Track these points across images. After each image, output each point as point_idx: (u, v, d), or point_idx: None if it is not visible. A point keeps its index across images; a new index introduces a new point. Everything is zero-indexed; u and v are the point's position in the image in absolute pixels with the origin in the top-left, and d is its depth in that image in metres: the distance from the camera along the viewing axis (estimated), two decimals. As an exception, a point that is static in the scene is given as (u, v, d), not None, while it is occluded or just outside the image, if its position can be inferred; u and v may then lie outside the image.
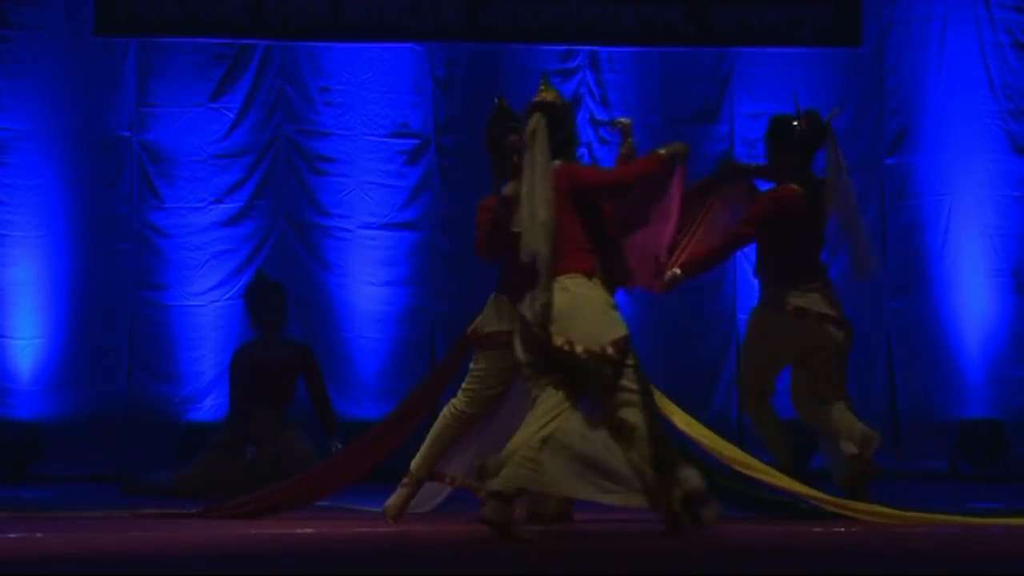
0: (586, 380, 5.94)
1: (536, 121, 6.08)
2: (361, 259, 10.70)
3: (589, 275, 6.04)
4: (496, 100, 6.75)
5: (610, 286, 6.16)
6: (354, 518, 7.05)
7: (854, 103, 10.94)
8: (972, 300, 10.74)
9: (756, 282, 7.23)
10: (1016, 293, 10.77)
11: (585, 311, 5.97)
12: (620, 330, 6.00)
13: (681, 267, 6.75)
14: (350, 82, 10.80)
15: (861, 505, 6.63)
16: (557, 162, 6.11)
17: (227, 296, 10.56)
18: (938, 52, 10.88)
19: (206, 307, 10.61)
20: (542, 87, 6.31)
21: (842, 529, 6.32)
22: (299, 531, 6.23)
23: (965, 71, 10.87)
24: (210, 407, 10.37)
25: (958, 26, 10.88)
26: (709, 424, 7.18)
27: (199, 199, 10.69)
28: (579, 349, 5.89)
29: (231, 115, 10.73)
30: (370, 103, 10.79)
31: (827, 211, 7.00)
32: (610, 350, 5.93)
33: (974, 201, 10.79)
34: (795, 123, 7.01)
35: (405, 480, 6.78)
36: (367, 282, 10.67)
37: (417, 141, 10.81)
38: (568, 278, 6.00)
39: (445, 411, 6.76)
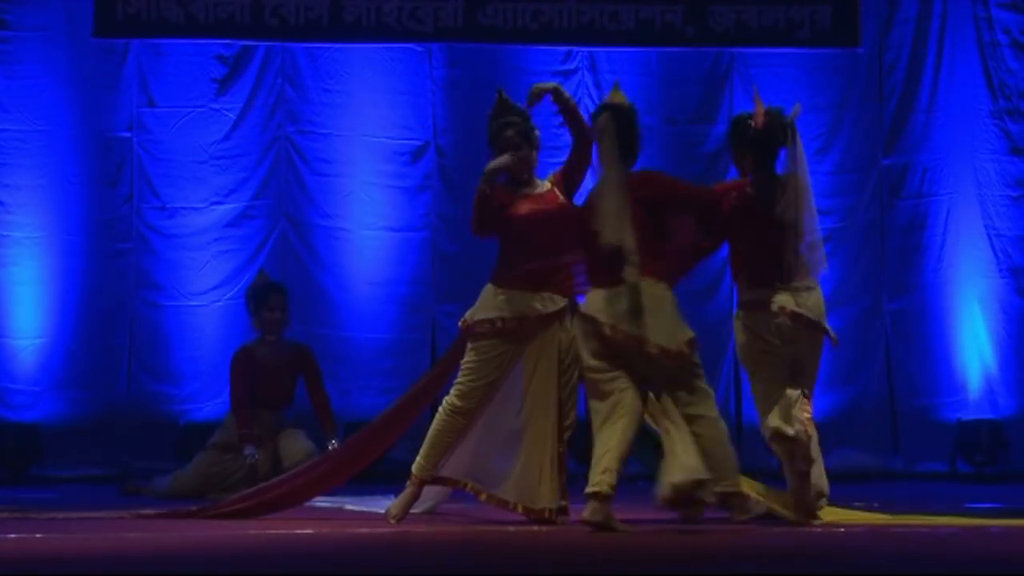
0: (658, 378, 6.38)
1: (605, 121, 6.44)
2: (361, 259, 10.70)
3: (660, 278, 6.39)
4: (497, 93, 6.80)
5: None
6: (354, 518, 7.06)
7: (853, 103, 10.94)
8: (971, 300, 10.74)
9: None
10: (1015, 293, 10.78)
11: (660, 312, 6.33)
12: (690, 331, 6.41)
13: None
14: (350, 83, 10.79)
15: (856, 515, 6.66)
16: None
17: (228, 296, 10.55)
18: (936, 52, 10.89)
19: (207, 307, 10.61)
20: (613, 91, 6.65)
21: (842, 529, 6.34)
22: (299, 531, 6.24)
23: (963, 71, 10.88)
24: (210, 407, 10.36)
25: (956, 26, 10.89)
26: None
27: (200, 200, 10.69)
28: (653, 348, 6.28)
29: (232, 116, 10.71)
30: (370, 104, 10.78)
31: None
32: (684, 349, 6.34)
33: (972, 201, 10.80)
34: (749, 121, 6.68)
35: (408, 482, 6.79)
36: (367, 282, 10.66)
37: (417, 142, 10.80)
38: (643, 281, 6.32)
39: (440, 409, 6.77)
